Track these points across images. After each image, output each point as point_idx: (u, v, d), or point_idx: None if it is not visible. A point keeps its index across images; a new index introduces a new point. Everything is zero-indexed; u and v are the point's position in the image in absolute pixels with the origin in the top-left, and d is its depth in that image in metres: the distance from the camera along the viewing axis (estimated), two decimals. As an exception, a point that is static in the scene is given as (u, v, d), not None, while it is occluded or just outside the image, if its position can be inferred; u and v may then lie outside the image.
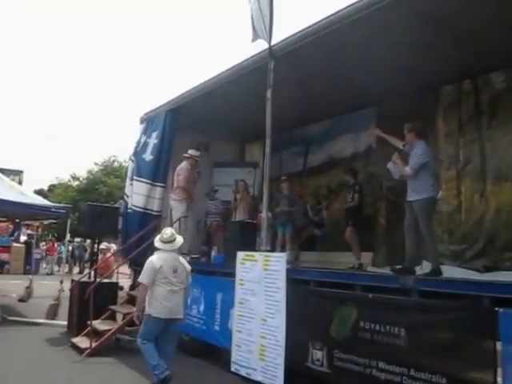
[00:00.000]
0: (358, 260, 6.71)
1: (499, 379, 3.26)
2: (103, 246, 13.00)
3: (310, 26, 5.57)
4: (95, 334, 6.67)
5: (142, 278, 4.85)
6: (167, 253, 4.94)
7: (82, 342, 6.76)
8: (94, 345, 6.44)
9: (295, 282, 5.09)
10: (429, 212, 4.86)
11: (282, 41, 5.93)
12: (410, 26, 5.07)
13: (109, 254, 11.81)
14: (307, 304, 4.88)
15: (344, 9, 5.13)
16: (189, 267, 5.11)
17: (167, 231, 5.10)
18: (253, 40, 6.17)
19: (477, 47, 5.42)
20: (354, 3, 5.01)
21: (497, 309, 3.35)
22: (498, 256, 5.86)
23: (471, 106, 6.41)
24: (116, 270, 8.24)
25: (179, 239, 5.10)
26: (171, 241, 4.98)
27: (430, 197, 4.78)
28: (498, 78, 6.08)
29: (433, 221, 5.16)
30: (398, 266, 4.95)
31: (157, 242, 5.04)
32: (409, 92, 6.63)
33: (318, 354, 4.61)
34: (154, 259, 4.89)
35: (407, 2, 4.74)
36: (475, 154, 6.31)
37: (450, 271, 5.18)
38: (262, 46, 6.09)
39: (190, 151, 7.94)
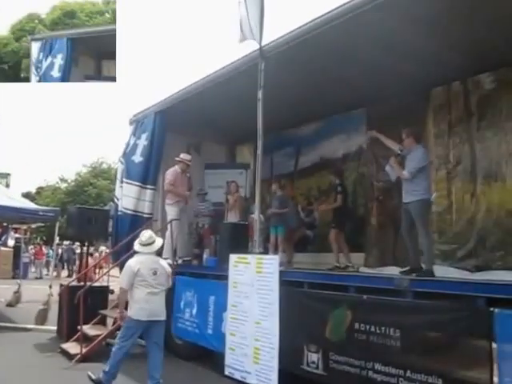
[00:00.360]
0: (336, 262, 6.74)
1: (495, 379, 3.27)
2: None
3: (300, 27, 5.54)
4: (85, 339, 6.57)
5: (121, 281, 4.87)
6: (146, 255, 4.93)
7: (71, 347, 6.66)
8: (84, 350, 6.34)
9: (288, 284, 5.07)
10: (424, 213, 4.91)
11: (273, 41, 5.88)
12: (400, 27, 5.08)
13: (90, 259, 11.61)
14: (301, 306, 4.85)
15: (335, 9, 5.10)
16: (169, 269, 5.11)
17: (145, 234, 5.08)
18: (240, 40, 6.12)
19: (466, 49, 5.46)
20: (344, 3, 5.00)
21: (492, 309, 3.36)
22: (488, 256, 5.91)
23: (461, 107, 6.46)
24: (105, 273, 8.14)
25: (158, 242, 5.09)
26: (149, 243, 4.97)
27: (424, 199, 4.84)
28: (488, 79, 6.14)
29: (429, 222, 5.19)
30: (403, 269, 4.98)
31: (136, 245, 5.04)
32: (399, 93, 6.67)
33: (314, 357, 4.58)
34: (131, 262, 4.88)
35: (397, 4, 4.74)
36: (465, 154, 6.36)
37: (441, 271, 5.20)
38: (252, 46, 6.05)
39: (182, 155, 7.80)
